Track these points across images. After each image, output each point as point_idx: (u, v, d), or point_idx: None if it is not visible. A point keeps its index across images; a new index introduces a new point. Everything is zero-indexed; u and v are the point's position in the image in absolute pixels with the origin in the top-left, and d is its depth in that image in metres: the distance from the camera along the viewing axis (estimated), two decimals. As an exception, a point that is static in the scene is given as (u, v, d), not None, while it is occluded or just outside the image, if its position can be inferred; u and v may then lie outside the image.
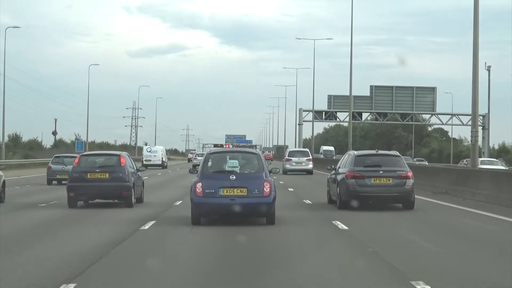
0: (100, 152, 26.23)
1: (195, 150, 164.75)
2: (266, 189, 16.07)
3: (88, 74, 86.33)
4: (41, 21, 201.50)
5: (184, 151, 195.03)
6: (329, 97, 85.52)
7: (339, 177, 20.70)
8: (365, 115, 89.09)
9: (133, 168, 23.22)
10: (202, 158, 17.74)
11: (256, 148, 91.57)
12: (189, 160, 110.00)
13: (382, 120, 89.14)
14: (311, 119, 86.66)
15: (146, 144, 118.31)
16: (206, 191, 16.08)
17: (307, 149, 54.75)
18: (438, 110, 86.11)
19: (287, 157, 50.72)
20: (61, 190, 27.63)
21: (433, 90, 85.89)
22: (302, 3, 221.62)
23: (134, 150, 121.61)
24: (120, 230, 15.68)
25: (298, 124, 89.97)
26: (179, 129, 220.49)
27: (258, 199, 16.04)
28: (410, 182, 20.10)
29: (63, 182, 34.04)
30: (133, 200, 22.00)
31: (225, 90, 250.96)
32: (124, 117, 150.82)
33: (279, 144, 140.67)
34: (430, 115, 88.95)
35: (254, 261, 11.49)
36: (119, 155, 22.74)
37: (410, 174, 20.25)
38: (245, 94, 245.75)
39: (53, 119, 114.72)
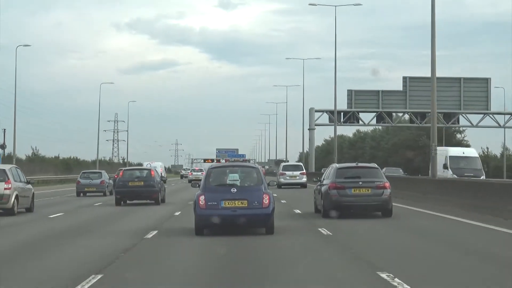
0: (137, 168, 38.37)
1: (182, 165, 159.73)
2: (265, 201, 17.29)
3: (15, 60, 79.71)
4: (30, 39, 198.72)
5: (169, 166, 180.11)
6: (349, 92, 67.43)
7: (323, 188, 22.25)
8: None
9: (159, 178, 33.06)
10: (197, 173, 23.95)
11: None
12: (182, 176, 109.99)
13: (420, 123, 68.75)
14: (325, 122, 69.59)
15: (123, 160, 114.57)
16: (208, 203, 17.22)
17: (300, 163, 56.40)
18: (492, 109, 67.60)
19: (281, 171, 52.30)
20: (86, 200, 37.75)
21: (486, 82, 66.99)
22: (290, 19, 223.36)
23: (110, 166, 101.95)
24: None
25: (309, 129, 71.67)
26: (168, 144, 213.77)
27: (258, 211, 17.24)
28: (387, 191, 21.74)
29: (87, 194, 42.64)
30: (160, 200, 31.47)
31: (216, 106, 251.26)
32: (105, 130, 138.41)
33: (277, 158, 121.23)
34: (483, 115, 68.20)
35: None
36: (150, 170, 33.26)
37: (387, 184, 21.88)
38: (236, 109, 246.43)
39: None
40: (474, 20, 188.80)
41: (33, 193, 28.36)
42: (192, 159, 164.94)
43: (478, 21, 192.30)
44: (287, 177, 51.53)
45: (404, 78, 67.47)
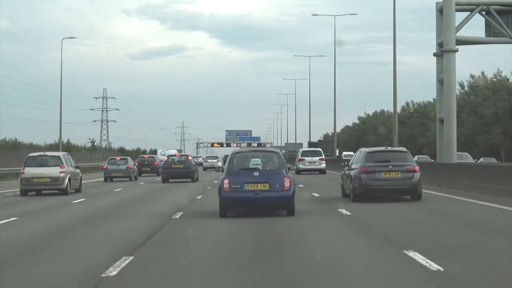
0: (177, 154, 48.89)
1: (181, 150, 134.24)
2: (286, 184, 17.95)
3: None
4: (40, 25, 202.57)
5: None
6: None
7: (352, 173, 22.67)
8: None
9: (194, 162, 43.98)
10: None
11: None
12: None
13: None
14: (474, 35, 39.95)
15: (94, 142, 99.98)
16: (232, 186, 17.98)
17: (319, 149, 56.41)
18: None
19: (300, 157, 52.03)
20: (113, 184, 40.97)
21: None
22: (300, 2, 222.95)
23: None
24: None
25: (437, 54, 42.48)
26: (174, 128, 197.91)
27: (279, 193, 17.91)
28: (417, 175, 22.01)
29: (114, 179, 45.61)
30: (195, 179, 41.48)
31: (227, 90, 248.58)
32: (91, 109, 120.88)
33: (322, 138, 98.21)
34: None
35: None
36: (187, 155, 43.41)
37: (417, 168, 22.16)
38: (248, 93, 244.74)
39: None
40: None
41: (81, 176, 33.12)
42: (197, 143, 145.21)
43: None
44: (306, 163, 51.26)
45: None
